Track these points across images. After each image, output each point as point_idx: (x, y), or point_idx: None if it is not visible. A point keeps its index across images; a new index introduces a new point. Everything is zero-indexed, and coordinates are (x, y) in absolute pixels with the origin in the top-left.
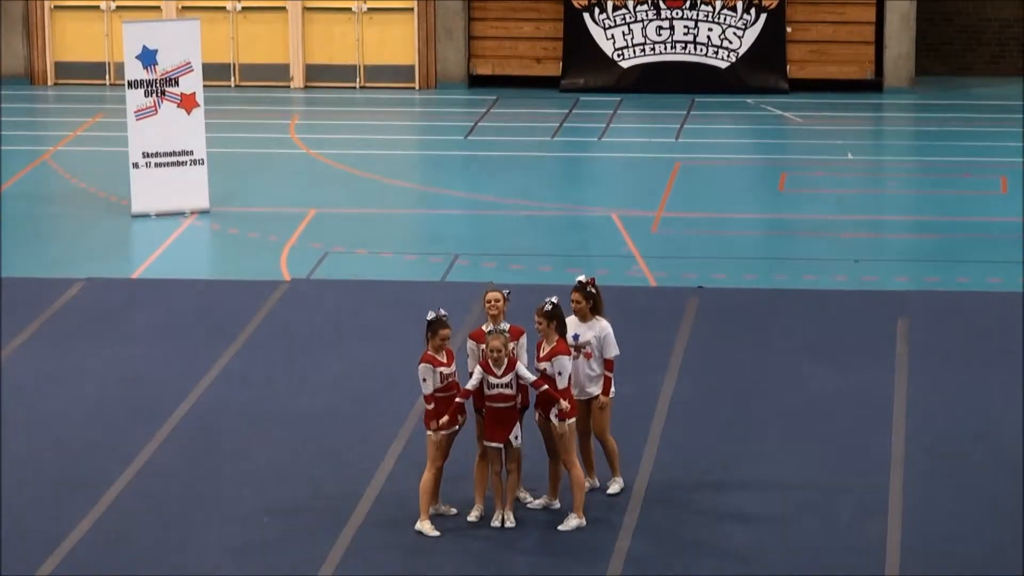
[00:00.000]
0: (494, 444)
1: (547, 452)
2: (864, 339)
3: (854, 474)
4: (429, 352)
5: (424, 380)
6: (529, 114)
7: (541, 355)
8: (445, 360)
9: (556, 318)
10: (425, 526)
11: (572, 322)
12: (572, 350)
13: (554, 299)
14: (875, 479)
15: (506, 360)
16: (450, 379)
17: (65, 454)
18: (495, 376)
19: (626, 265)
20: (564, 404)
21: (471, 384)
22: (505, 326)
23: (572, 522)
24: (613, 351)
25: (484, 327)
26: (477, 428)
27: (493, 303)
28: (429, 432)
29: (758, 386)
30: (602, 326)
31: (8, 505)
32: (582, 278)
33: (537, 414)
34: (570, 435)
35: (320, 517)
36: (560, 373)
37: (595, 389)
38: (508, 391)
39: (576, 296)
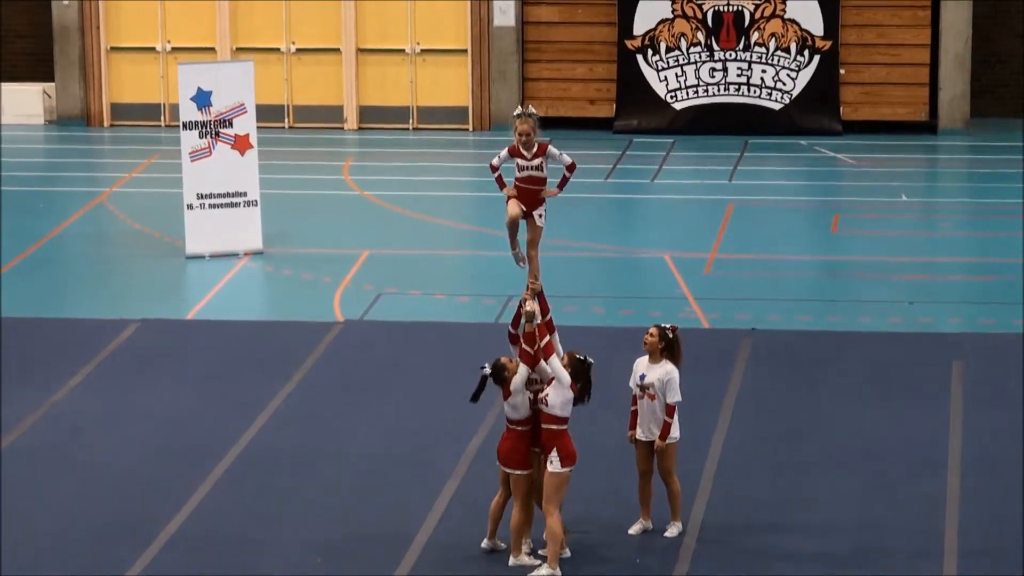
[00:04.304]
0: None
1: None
2: (919, 382)
3: (909, 517)
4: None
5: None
6: (582, 155)
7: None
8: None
9: (576, 368)
10: (523, 559)
11: (642, 363)
12: (638, 389)
13: (591, 360)
14: (930, 522)
15: (536, 144)
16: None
17: (119, 494)
18: (525, 159)
19: (679, 307)
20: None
21: (495, 160)
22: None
23: (543, 571)
24: (674, 396)
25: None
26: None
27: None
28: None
29: (812, 428)
30: (667, 369)
31: (62, 545)
32: (666, 325)
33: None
34: (554, 488)
35: (373, 559)
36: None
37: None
38: (538, 173)
39: (653, 331)
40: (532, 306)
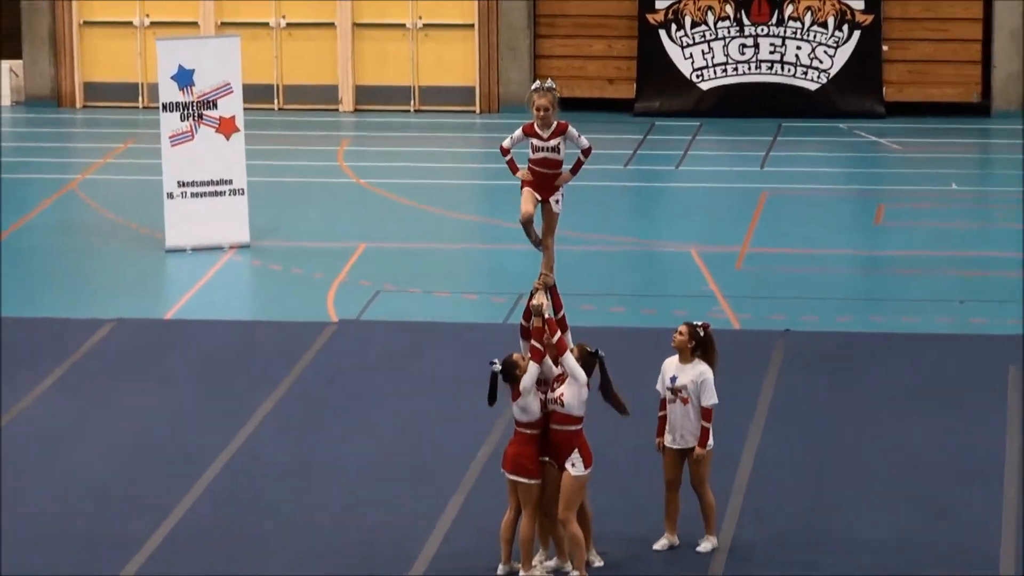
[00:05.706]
0: (537, 196)
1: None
2: (971, 388)
3: (960, 537)
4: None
5: None
6: (600, 140)
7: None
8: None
9: (586, 360)
10: (536, 573)
11: (672, 363)
12: (668, 392)
13: (602, 353)
14: (982, 541)
15: (554, 123)
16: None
17: (95, 508)
18: (541, 139)
19: (707, 305)
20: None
21: (506, 143)
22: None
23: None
24: (711, 399)
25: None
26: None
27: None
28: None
29: (851, 439)
30: (701, 370)
31: (35, 563)
32: (697, 322)
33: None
34: (575, 492)
35: None
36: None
37: (693, 439)
38: (554, 156)
39: (682, 329)
40: (540, 299)
